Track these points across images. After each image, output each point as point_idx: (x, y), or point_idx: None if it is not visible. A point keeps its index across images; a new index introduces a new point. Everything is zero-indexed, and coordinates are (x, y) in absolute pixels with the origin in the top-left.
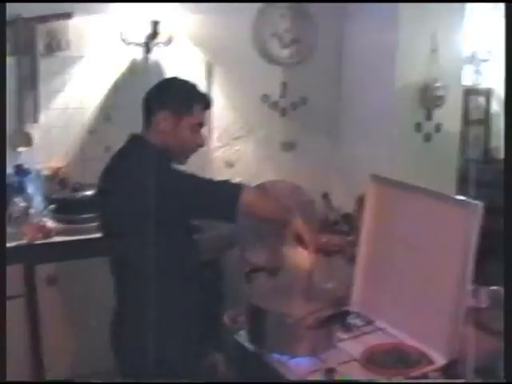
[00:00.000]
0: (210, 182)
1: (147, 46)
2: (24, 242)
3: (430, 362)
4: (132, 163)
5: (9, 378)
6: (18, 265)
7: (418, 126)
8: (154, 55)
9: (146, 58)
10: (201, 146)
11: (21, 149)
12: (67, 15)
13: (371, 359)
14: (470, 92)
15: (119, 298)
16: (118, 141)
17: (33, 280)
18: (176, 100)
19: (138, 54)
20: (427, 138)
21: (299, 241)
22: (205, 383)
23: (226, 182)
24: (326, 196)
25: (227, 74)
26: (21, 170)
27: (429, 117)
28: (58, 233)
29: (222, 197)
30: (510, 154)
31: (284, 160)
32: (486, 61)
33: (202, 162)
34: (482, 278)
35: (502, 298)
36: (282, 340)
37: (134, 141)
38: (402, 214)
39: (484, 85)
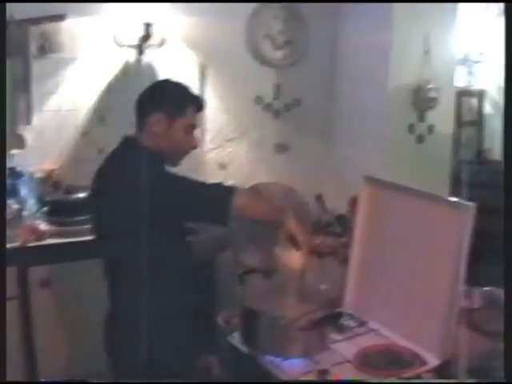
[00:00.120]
0: (203, 184)
1: (140, 48)
2: (17, 244)
3: (423, 362)
4: (125, 165)
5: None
6: (12, 267)
7: (411, 128)
8: (147, 57)
9: (138, 60)
10: (194, 148)
11: (14, 151)
12: (60, 17)
13: (364, 360)
14: (462, 93)
15: (112, 300)
16: (111, 143)
17: (26, 282)
18: (169, 102)
19: (130, 56)
20: (420, 139)
21: (292, 242)
22: (199, 383)
23: (218, 185)
24: (319, 198)
25: (220, 75)
26: (14, 173)
27: (422, 118)
28: (51, 235)
29: (214, 200)
30: (510, 153)
31: (277, 162)
32: (478, 62)
33: (195, 163)
34: (474, 278)
35: (494, 298)
36: (275, 341)
37: (127, 143)
38: (395, 216)
39: (476, 86)
